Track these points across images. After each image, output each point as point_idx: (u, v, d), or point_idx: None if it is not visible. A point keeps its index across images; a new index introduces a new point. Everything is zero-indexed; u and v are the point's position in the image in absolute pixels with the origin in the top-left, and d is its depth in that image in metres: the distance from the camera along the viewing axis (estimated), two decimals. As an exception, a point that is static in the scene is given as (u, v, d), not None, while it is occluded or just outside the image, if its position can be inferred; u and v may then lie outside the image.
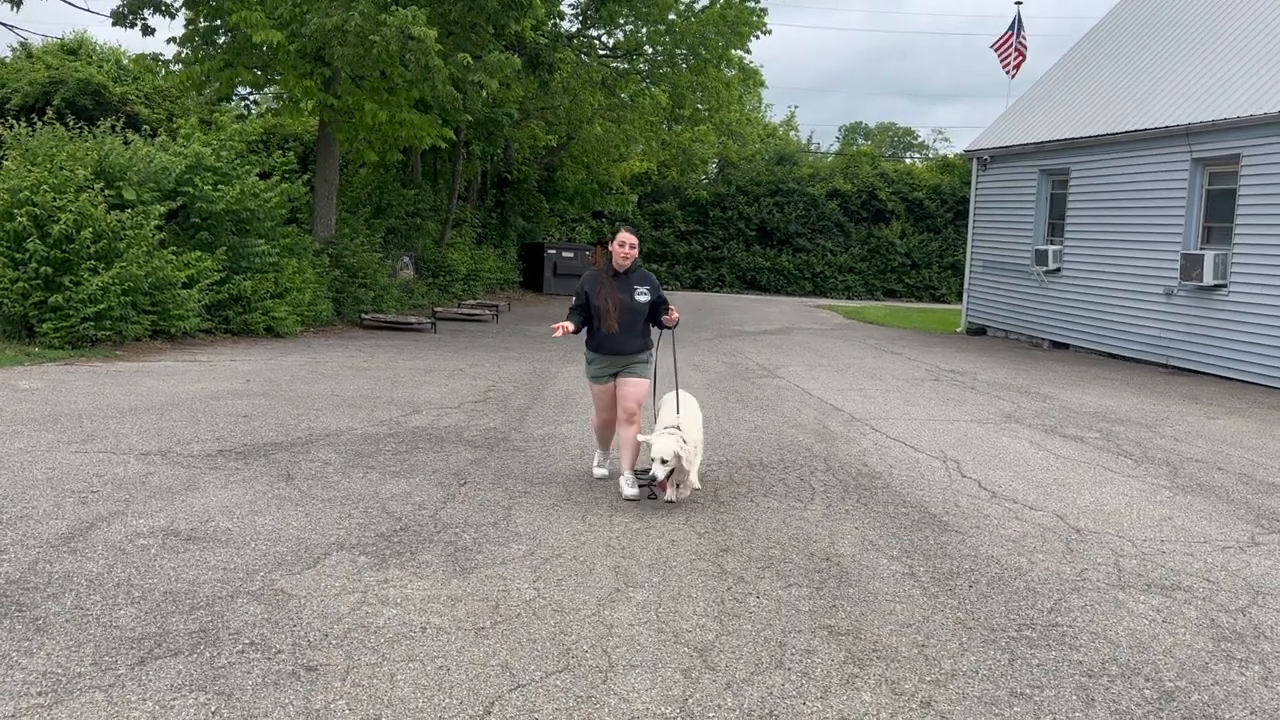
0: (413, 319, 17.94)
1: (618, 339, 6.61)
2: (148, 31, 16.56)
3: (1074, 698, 3.90)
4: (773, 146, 39.10)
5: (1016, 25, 22.17)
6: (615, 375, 6.74)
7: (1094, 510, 6.67)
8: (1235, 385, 13.51)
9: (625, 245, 6.62)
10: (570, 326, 6.52)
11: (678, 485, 6.49)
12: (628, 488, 6.59)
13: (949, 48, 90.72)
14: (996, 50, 22.33)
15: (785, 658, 4.16)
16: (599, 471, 7.13)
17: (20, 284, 12.34)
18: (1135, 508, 6.79)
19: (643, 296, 6.66)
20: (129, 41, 64.41)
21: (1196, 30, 17.31)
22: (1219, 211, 14.70)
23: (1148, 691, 3.98)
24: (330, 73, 16.05)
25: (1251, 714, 3.83)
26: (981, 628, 4.55)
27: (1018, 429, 9.61)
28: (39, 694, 3.61)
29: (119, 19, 16.28)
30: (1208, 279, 14.20)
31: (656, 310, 6.76)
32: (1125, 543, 5.95)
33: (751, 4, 22.42)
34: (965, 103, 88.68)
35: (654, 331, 6.95)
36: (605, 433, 7.09)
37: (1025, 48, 22.17)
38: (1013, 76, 22.36)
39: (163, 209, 13.80)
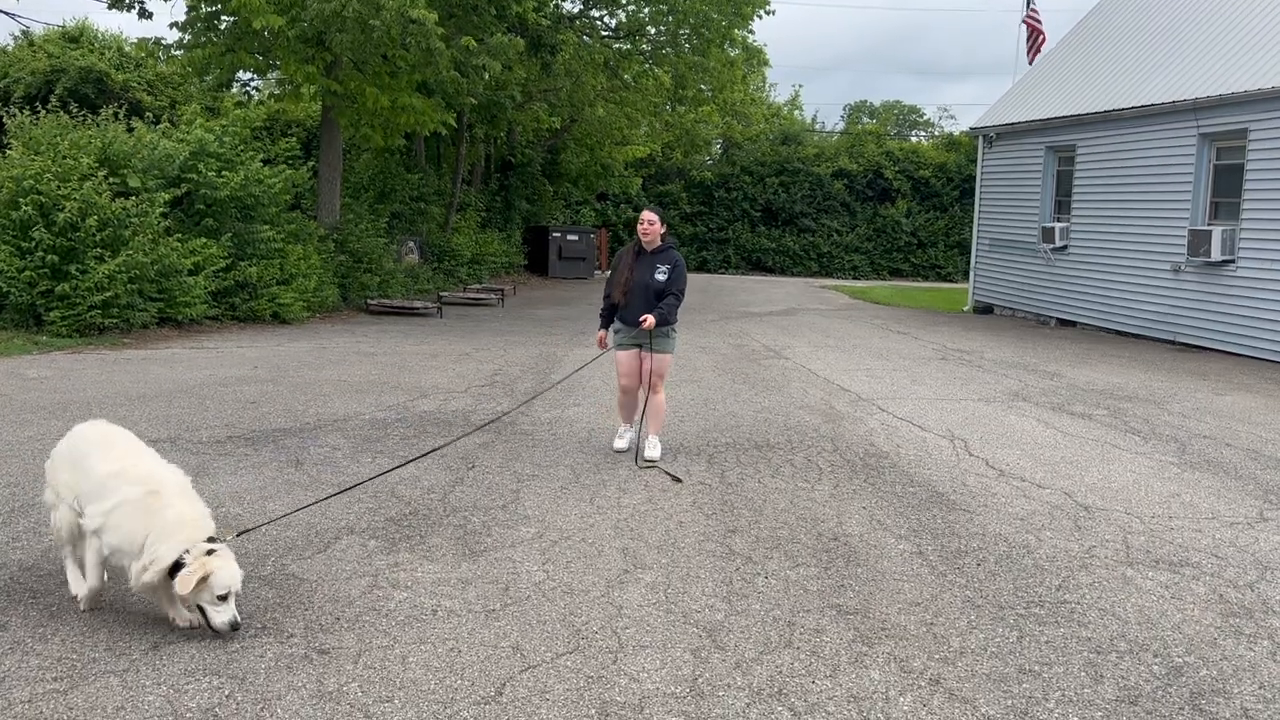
0: (418, 304, 17.95)
1: (632, 312, 7.06)
2: (145, 15, 16.51)
3: (1083, 674, 3.91)
4: (777, 126, 38.92)
5: (1027, 2, 21.98)
6: (639, 346, 7.13)
7: (1102, 487, 6.67)
8: (1243, 361, 13.47)
9: (644, 222, 7.04)
10: (606, 339, 7.29)
11: None
12: (650, 450, 7.11)
13: (957, 25, 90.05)
14: (1029, 44, 22.10)
15: (794, 637, 4.18)
16: (619, 444, 7.35)
17: (27, 273, 12.37)
18: (1143, 485, 6.78)
19: (661, 275, 7.03)
20: (130, 28, 64.35)
21: (1203, 4, 17.17)
22: (1226, 186, 14.62)
23: (1156, 667, 3.99)
24: (332, 58, 16.01)
25: (1260, 688, 3.84)
26: (990, 605, 4.56)
27: (1025, 407, 9.60)
28: (54, 679, 3.65)
29: (115, 2, 16.22)
30: (1215, 255, 14.14)
31: (664, 294, 7.05)
32: (1133, 520, 5.95)
33: (754, -17, 22.26)
34: (974, 80, 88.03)
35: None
36: (626, 403, 7.35)
37: (1038, 24, 21.94)
38: (1030, 61, 22.10)
39: (167, 196, 13.81)
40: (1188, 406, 9.86)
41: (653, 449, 7.12)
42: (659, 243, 7.11)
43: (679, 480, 6.65)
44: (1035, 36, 21.92)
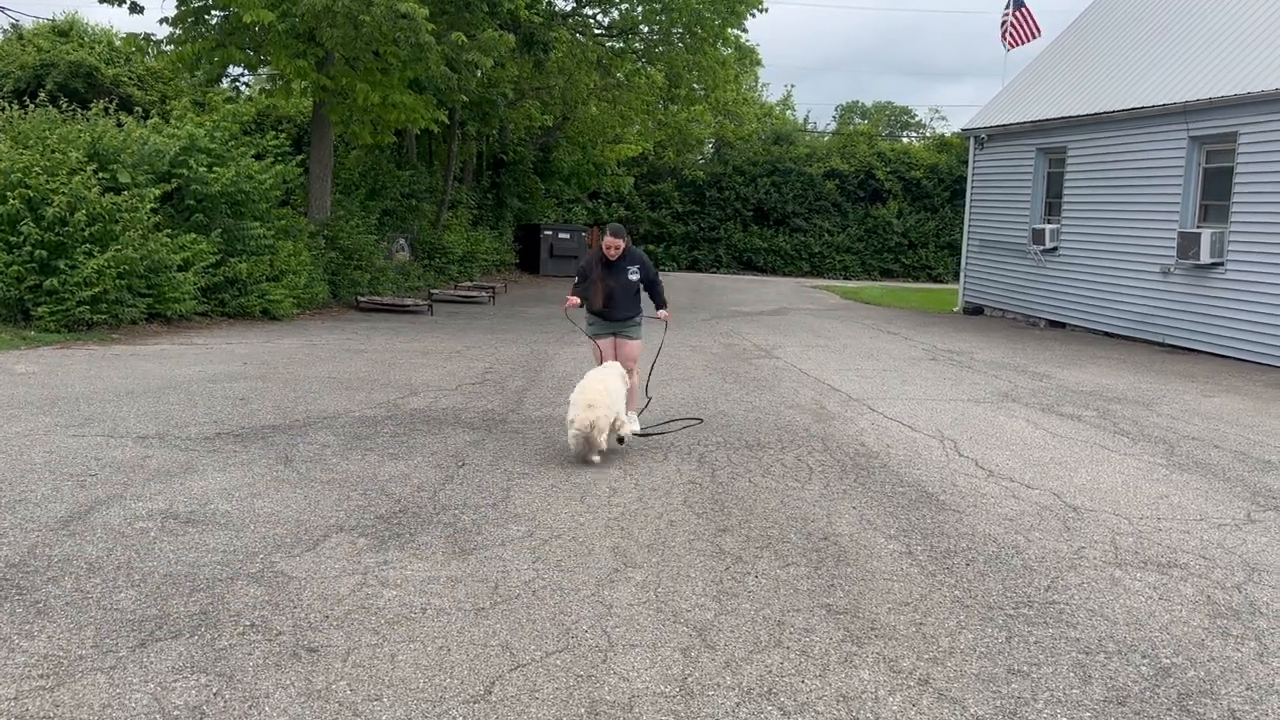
0: (409, 301, 17.91)
1: (610, 311, 8.07)
2: (135, 10, 16.43)
3: (1071, 674, 3.92)
4: (769, 126, 38.96)
5: (1014, 2, 22.00)
6: (613, 334, 8.15)
7: (1091, 488, 6.69)
8: (1232, 363, 13.54)
9: (612, 247, 7.96)
10: (575, 300, 7.96)
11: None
12: (630, 423, 7.78)
13: (951, 26, 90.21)
14: (1004, 35, 22.11)
15: (784, 636, 4.18)
16: None
17: (14, 267, 12.29)
18: (1132, 486, 6.81)
19: (634, 275, 8.05)
20: (120, 22, 63.98)
21: (1194, 7, 17.24)
22: (1216, 189, 14.68)
23: (1144, 668, 4.00)
24: (323, 53, 15.95)
25: (1247, 689, 3.85)
26: (979, 606, 4.57)
27: (1014, 408, 9.63)
28: (40, 676, 3.62)
29: (105, -4, 16.13)
30: (1205, 257, 14.20)
31: (652, 286, 8.17)
32: (1122, 521, 5.97)
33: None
34: (967, 82, 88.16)
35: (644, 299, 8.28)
36: None
37: (1026, 21, 21.95)
38: (1009, 49, 22.14)
39: (157, 191, 13.75)
40: (1176, 408, 9.90)
41: (632, 423, 7.91)
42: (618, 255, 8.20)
43: (622, 442, 7.49)
44: (1020, 29, 21.95)
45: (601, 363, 8.20)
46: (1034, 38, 21.97)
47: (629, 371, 8.13)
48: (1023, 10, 21.89)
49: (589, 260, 8.18)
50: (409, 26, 14.49)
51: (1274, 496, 6.68)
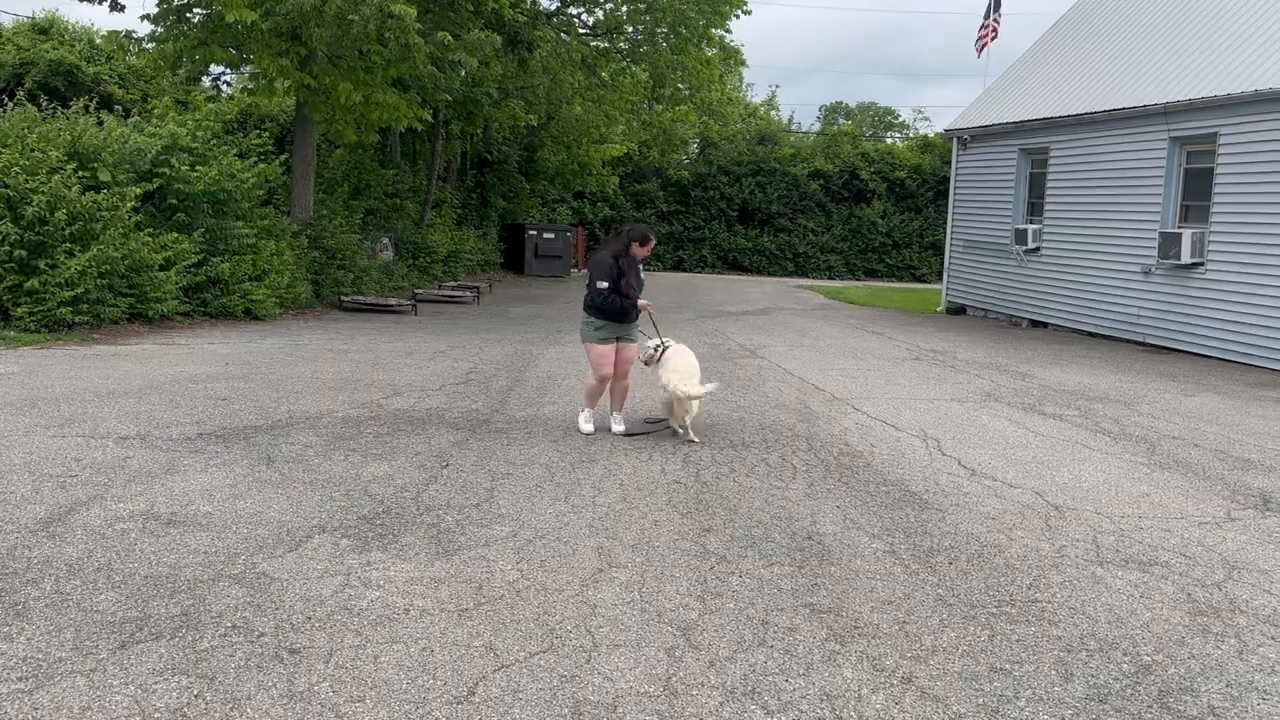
0: (393, 301, 17.85)
1: (627, 311, 8.08)
2: (116, 7, 16.31)
3: (1053, 672, 3.94)
4: (754, 126, 39.07)
5: (991, 8, 22.15)
6: (617, 338, 8.11)
7: (1072, 487, 6.73)
8: (1212, 363, 13.64)
9: (649, 249, 8.17)
10: (651, 306, 8.29)
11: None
12: (617, 424, 8.08)
13: (938, 27, 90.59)
14: (981, 38, 22.28)
15: (768, 635, 4.19)
16: (587, 427, 8.02)
17: (-6, 267, 12.19)
18: (1113, 485, 6.85)
19: (643, 276, 8.28)
20: (101, 20, 63.40)
21: (1175, 9, 17.37)
22: (1197, 190, 14.80)
23: (1125, 665, 4.03)
24: (306, 52, 15.88)
25: (1227, 686, 3.88)
26: (961, 604, 4.59)
27: (997, 407, 9.68)
28: (19, 679, 3.59)
29: (87, -6, 16.03)
30: (1185, 257, 14.31)
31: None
32: (1103, 519, 6.01)
33: (731, -18, 22.32)
34: (954, 83, 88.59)
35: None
36: (598, 391, 8.11)
37: (996, 27, 22.18)
38: (978, 55, 22.37)
39: (139, 190, 13.65)
40: (1157, 407, 9.97)
41: (619, 424, 8.09)
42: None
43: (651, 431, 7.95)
44: (986, 35, 22.17)
45: (604, 370, 8.08)
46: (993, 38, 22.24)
47: (623, 374, 8.15)
48: (996, 16, 22.06)
49: (615, 261, 7.85)
50: (398, 27, 14.45)
51: (1253, 495, 6.73)
